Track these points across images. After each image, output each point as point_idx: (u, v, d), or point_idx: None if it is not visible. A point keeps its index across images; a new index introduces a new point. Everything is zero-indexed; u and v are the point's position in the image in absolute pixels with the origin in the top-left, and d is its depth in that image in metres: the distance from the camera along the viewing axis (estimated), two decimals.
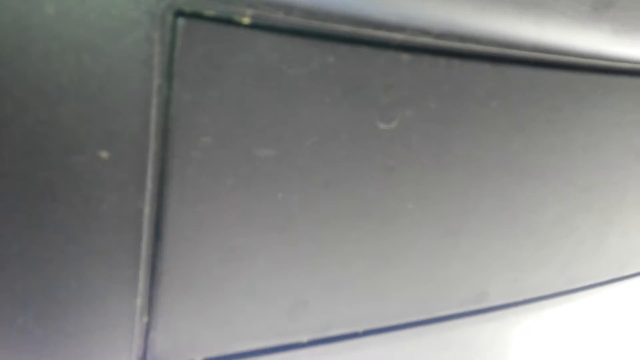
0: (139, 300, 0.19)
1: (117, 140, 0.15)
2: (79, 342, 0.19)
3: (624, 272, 0.38)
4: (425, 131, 0.22)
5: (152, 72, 0.15)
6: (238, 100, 0.16)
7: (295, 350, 0.25)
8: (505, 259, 0.29)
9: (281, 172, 0.19)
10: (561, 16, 0.17)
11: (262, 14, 0.15)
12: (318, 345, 0.25)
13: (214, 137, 0.17)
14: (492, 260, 0.29)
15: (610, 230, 0.34)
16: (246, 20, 0.15)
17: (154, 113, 0.15)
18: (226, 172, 0.18)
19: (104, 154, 0.15)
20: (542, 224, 0.29)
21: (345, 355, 0.27)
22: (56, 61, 0.13)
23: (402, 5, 0.17)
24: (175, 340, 0.21)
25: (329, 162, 0.20)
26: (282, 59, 0.16)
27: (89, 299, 0.18)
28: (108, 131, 0.15)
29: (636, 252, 0.38)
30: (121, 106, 0.15)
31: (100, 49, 0.14)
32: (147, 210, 0.17)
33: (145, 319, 0.19)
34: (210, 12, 0.15)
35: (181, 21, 0.14)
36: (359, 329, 0.26)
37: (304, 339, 0.25)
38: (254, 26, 0.15)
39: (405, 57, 0.19)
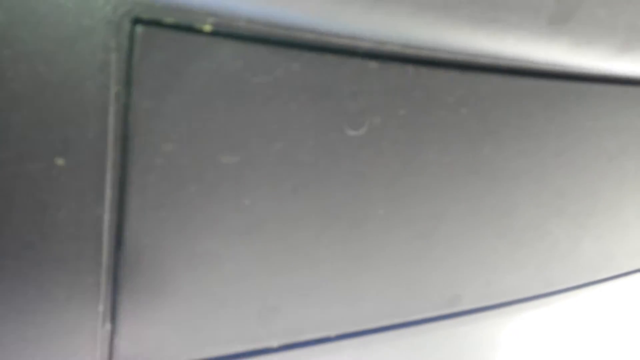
0: (101, 307, 0.19)
1: (73, 147, 0.15)
2: (42, 350, 0.19)
3: (598, 276, 0.39)
4: (395, 137, 0.22)
5: (110, 79, 0.14)
6: (200, 107, 0.16)
7: (266, 356, 0.24)
8: (478, 263, 0.29)
9: (247, 178, 0.19)
10: (517, 29, 0.17)
11: (223, 22, 0.15)
12: (289, 350, 0.25)
13: (176, 144, 0.17)
14: (464, 263, 0.29)
15: (584, 234, 0.34)
16: (207, 27, 0.15)
17: (111, 120, 0.15)
18: (190, 178, 0.18)
19: (60, 161, 0.15)
20: (514, 228, 0.30)
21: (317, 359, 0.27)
22: (8, 69, 0.13)
23: (365, 19, 0.17)
24: (140, 346, 0.20)
25: (296, 168, 0.20)
26: (245, 66, 0.16)
27: (50, 306, 0.18)
28: (64, 139, 0.14)
29: (610, 256, 0.38)
30: (77, 113, 0.14)
31: (55, 57, 0.13)
32: (107, 217, 0.17)
33: (108, 326, 0.19)
34: (169, 20, 0.14)
35: (139, 28, 0.14)
36: (331, 333, 0.26)
37: (275, 344, 0.24)
38: (216, 34, 0.15)
39: (373, 64, 0.19)
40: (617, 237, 0.37)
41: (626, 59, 0.24)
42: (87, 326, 0.19)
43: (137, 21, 0.14)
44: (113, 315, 0.19)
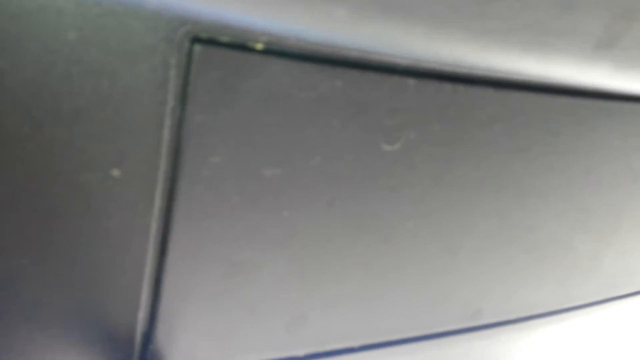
0: (141, 314, 0.19)
1: (129, 159, 0.15)
2: (82, 352, 0.19)
3: (619, 292, 0.39)
4: (428, 153, 0.22)
5: (167, 95, 0.15)
6: (248, 121, 0.17)
7: None
8: (501, 277, 0.30)
9: (287, 190, 0.19)
10: (564, 54, 0.18)
11: (274, 40, 0.16)
12: None
13: (223, 156, 0.17)
14: (488, 278, 0.29)
15: (607, 251, 0.34)
16: (259, 46, 0.16)
17: (166, 134, 0.15)
18: (233, 190, 0.18)
19: (116, 172, 0.15)
20: (538, 243, 0.30)
21: None
22: (75, 84, 0.14)
23: (411, 43, 0.17)
24: (175, 352, 0.21)
25: (333, 182, 0.20)
26: (292, 83, 0.17)
27: (93, 310, 0.18)
28: (121, 151, 0.15)
29: (631, 273, 0.38)
30: (135, 127, 0.15)
31: (118, 73, 0.14)
32: (154, 226, 0.17)
33: (146, 332, 0.20)
34: (225, 39, 0.15)
35: (197, 47, 0.15)
36: (355, 344, 0.26)
37: (301, 353, 0.25)
38: (267, 52, 0.16)
39: (411, 81, 0.20)
40: (639, 254, 0.37)
41: None
42: (126, 331, 0.19)
43: (195, 40, 0.15)
44: (152, 321, 0.19)
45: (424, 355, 0.30)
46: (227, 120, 0.16)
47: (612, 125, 0.27)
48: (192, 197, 0.17)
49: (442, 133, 0.22)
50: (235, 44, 0.15)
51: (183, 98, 0.15)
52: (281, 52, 0.16)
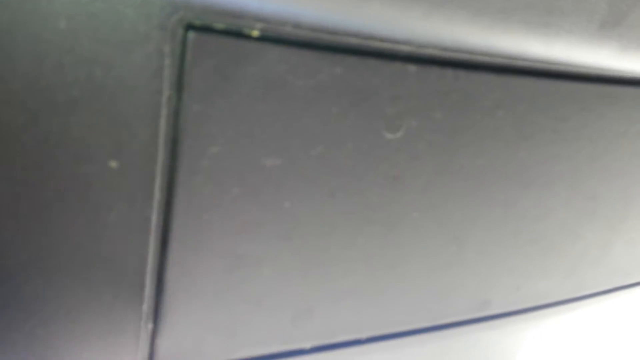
0: (145, 307, 0.19)
1: (126, 150, 0.15)
2: (85, 347, 0.19)
3: (628, 281, 0.38)
4: (431, 141, 0.22)
5: (162, 84, 0.15)
6: (246, 110, 0.17)
7: (299, 357, 0.25)
8: (509, 267, 0.29)
9: (288, 181, 0.19)
10: (569, 34, 0.17)
11: (271, 27, 0.15)
12: (321, 352, 0.25)
13: (222, 146, 0.17)
14: (495, 268, 0.29)
15: (615, 239, 0.34)
16: (255, 33, 0.15)
17: (163, 124, 0.15)
18: (233, 181, 0.18)
19: (114, 164, 0.15)
20: (546, 232, 0.29)
21: None
22: (68, 74, 0.13)
23: (411, 23, 0.17)
24: (180, 346, 0.21)
25: (335, 171, 0.20)
26: (290, 70, 0.17)
27: (96, 304, 0.18)
28: (118, 141, 0.15)
29: None
30: (131, 117, 0.15)
31: (112, 62, 0.14)
32: (155, 218, 0.17)
33: (150, 325, 0.19)
34: (220, 26, 0.15)
35: (191, 34, 0.14)
36: (362, 335, 0.26)
37: (307, 345, 0.25)
38: (263, 39, 0.16)
39: (412, 68, 0.20)
40: None
41: None
42: (131, 325, 0.19)
43: (189, 27, 0.14)
44: (156, 315, 0.19)
45: (431, 347, 0.30)
46: (225, 110, 0.16)
47: (619, 111, 0.27)
48: (191, 188, 0.17)
49: (445, 120, 0.21)
50: (231, 31, 0.15)
51: (179, 87, 0.15)
52: (278, 39, 0.16)
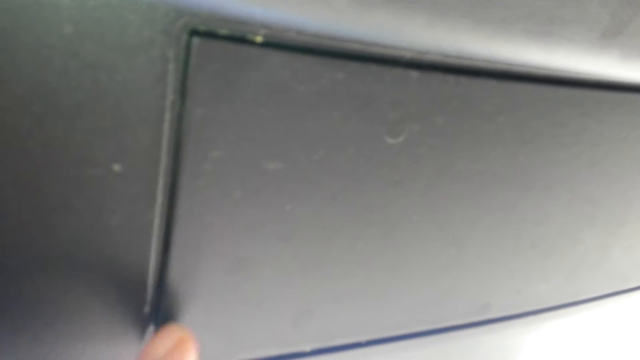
0: (147, 309, 0.19)
1: (130, 154, 0.15)
2: (88, 348, 0.19)
3: (627, 285, 0.38)
4: (432, 145, 0.22)
5: (166, 89, 0.15)
6: (249, 115, 0.17)
7: (299, 359, 0.25)
8: (509, 271, 0.29)
9: (290, 184, 0.19)
10: (570, 43, 0.17)
11: (274, 33, 0.16)
12: (321, 355, 0.25)
13: (225, 150, 0.17)
14: (495, 272, 0.29)
15: (614, 243, 0.34)
16: (259, 38, 0.16)
17: (166, 128, 0.15)
18: (235, 184, 0.18)
19: (117, 167, 0.15)
20: (545, 236, 0.29)
21: None
22: (73, 78, 0.14)
23: (415, 32, 0.17)
24: None
25: (336, 175, 0.20)
26: (292, 75, 0.17)
27: (99, 306, 0.18)
28: (121, 145, 0.15)
29: (639, 265, 0.38)
30: (135, 121, 0.15)
31: (116, 67, 0.14)
32: (157, 221, 0.17)
33: (152, 327, 0.20)
34: (224, 31, 0.15)
35: (195, 40, 0.14)
36: (362, 339, 0.26)
37: (307, 348, 0.25)
38: (266, 44, 0.16)
39: (414, 74, 0.20)
40: None
41: None
42: (133, 327, 0.19)
43: (194, 33, 0.14)
44: (157, 316, 0.19)
45: (431, 350, 0.30)
46: (228, 114, 0.16)
47: (619, 116, 0.27)
48: (194, 191, 0.17)
49: (446, 125, 0.22)
50: (234, 37, 0.15)
51: (182, 91, 0.15)
52: (281, 44, 0.16)
